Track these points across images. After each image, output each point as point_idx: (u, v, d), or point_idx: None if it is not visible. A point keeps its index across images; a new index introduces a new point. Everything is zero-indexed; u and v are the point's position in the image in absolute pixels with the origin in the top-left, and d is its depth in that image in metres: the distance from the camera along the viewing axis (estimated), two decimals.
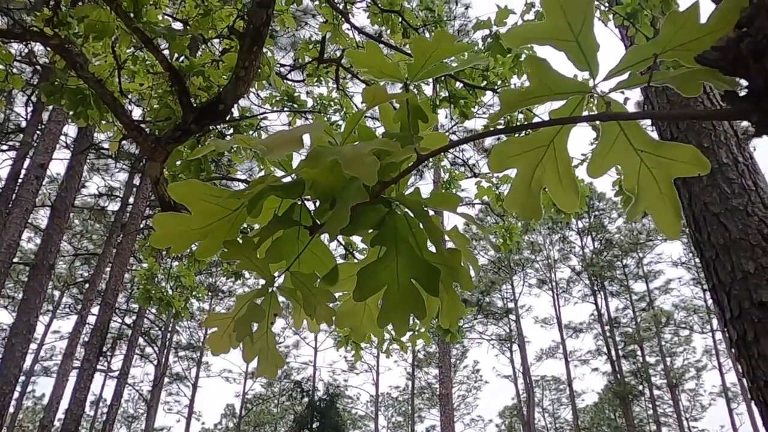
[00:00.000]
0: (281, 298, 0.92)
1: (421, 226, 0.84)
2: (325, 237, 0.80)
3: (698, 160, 0.69)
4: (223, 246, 0.84)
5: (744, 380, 2.80)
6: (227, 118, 4.14)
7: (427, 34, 6.47)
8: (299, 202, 0.86)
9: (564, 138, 0.73)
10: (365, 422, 35.59)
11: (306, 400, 25.74)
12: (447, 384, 18.64)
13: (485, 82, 3.78)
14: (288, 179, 0.75)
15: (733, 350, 2.85)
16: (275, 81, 3.65)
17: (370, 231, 0.88)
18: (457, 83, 4.20)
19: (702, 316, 29.25)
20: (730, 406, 27.67)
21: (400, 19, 5.70)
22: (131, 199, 16.10)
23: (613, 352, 29.13)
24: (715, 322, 27.57)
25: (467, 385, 35.03)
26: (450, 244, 0.85)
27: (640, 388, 29.44)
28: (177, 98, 3.50)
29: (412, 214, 0.82)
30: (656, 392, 29.89)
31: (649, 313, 30.39)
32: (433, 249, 0.83)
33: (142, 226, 13.65)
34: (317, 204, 0.87)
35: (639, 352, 30.31)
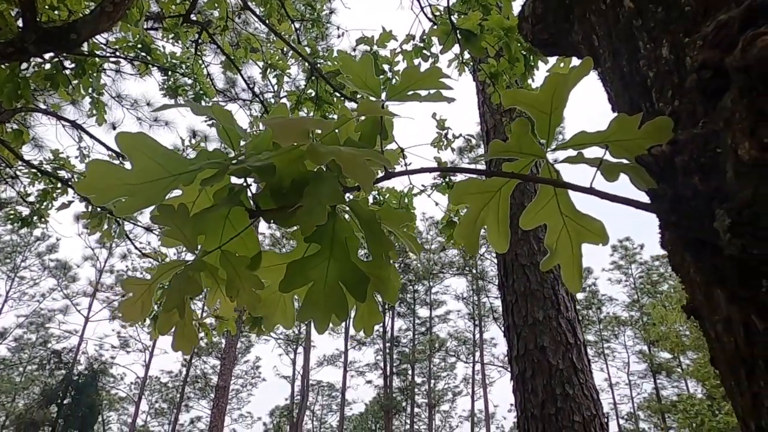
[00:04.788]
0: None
1: (360, 235, 0.88)
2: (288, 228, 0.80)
3: (603, 234, 0.85)
4: (158, 209, 0.80)
5: (517, 413, 3.27)
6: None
7: (297, 25, 6.44)
8: (245, 184, 0.85)
9: (509, 189, 0.84)
10: (124, 404, 33.05)
11: (62, 372, 23.06)
12: (227, 376, 18.22)
13: (359, 96, 3.92)
14: (258, 162, 0.74)
15: (512, 383, 3.31)
16: (140, 27, 3.33)
17: None
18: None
19: (469, 347, 32.80)
20: (473, 430, 31.32)
21: (279, 6, 5.60)
22: None
23: (388, 368, 31.15)
24: (478, 354, 31.12)
25: (243, 380, 34.59)
26: None
27: (404, 404, 31.86)
28: (19, 11, 3.02)
29: (357, 221, 0.86)
30: (416, 410, 32.61)
31: (426, 338, 33.18)
32: (364, 258, 0.88)
33: None
34: (262, 189, 0.87)
35: (410, 372, 32.85)
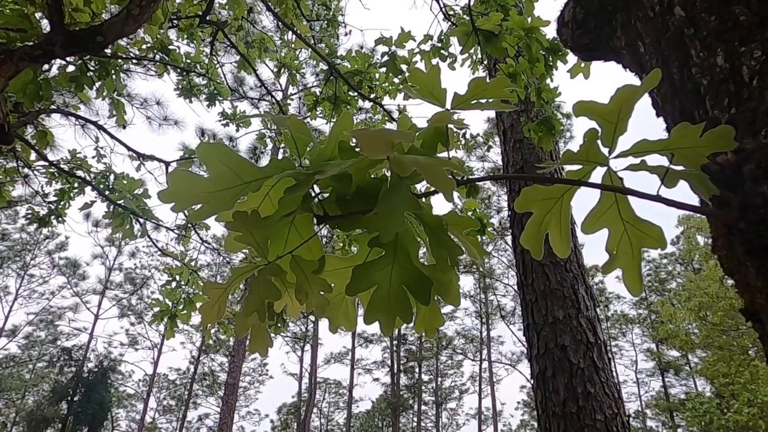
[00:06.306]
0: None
1: (422, 240, 0.91)
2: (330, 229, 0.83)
3: (662, 239, 0.87)
4: (233, 217, 0.83)
5: (537, 411, 3.29)
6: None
7: (315, 25, 6.46)
8: (315, 192, 0.88)
9: (571, 195, 0.86)
10: (133, 401, 33.26)
11: (72, 369, 23.24)
12: (236, 374, 18.31)
13: (373, 95, 3.94)
14: (335, 170, 0.77)
15: (532, 382, 3.33)
16: (164, 30, 3.37)
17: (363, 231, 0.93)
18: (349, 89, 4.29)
19: (476, 345, 32.79)
20: (480, 428, 31.34)
21: (294, 6, 5.63)
22: None
23: (395, 366, 31.21)
24: (485, 352, 31.11)
25: (251, 377, 34.75)
26: None
27: (411, 402, 31.92)
28: (46, 13, 3.07)
29: (423, 227, 0.88)
30: (423, 407, 32.67)
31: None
32: (423, 260, 0.91)
33: None
34: (328, 196, 0.90)
35: (417, 369, 32.91)
